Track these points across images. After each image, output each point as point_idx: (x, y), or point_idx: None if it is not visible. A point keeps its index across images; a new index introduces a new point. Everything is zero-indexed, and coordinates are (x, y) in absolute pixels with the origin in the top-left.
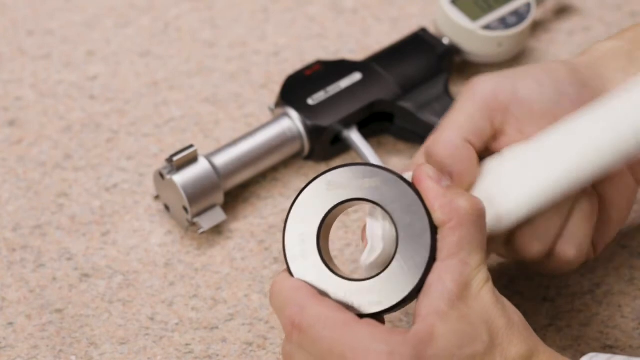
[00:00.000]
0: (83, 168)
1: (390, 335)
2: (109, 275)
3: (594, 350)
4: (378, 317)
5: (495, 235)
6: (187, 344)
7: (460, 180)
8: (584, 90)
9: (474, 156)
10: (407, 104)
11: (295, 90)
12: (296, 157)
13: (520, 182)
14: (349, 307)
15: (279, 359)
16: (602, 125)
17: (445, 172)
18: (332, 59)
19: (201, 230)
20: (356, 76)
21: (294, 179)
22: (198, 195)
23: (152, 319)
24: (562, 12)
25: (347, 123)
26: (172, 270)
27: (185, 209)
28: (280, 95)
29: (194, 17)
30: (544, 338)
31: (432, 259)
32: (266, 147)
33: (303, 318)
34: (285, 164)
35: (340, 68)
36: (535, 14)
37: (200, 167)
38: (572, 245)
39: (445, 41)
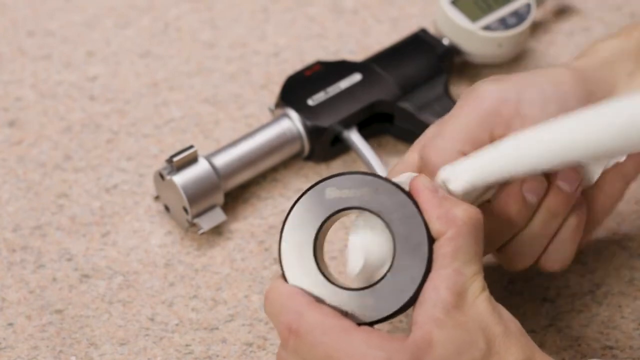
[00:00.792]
0: (83, 169)
1: (388, 342)
2: (109, 275)
3: (593, 350)
4: (374, 325)
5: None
6: (187, 345)
7: None
8: (588, 104)
9: None
10: (407, 105)
11: (295, 90)
12: (296, 157)
13: (472, 157)
14: (345, 315)
15: None
16: (566, 123)
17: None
18: (332, 60)
19: (201, 231)
20: (356, 77)
21: (294, 180)
22: (198, 195)
23: (152, 319)
24: (562, 12)
25: (347, 124)
26: (172, 271)
27: (185, 209)
28: (280, 95)
29: (194, 18)
30: (544, 338)
31: (428, 270)
32: (266, 147)
33: (300, 324)
34: (285, 164)
35: (340, 69)
36: (535, 14)
37: (200, 168)
38: (556, 261)
39: (445, 42)
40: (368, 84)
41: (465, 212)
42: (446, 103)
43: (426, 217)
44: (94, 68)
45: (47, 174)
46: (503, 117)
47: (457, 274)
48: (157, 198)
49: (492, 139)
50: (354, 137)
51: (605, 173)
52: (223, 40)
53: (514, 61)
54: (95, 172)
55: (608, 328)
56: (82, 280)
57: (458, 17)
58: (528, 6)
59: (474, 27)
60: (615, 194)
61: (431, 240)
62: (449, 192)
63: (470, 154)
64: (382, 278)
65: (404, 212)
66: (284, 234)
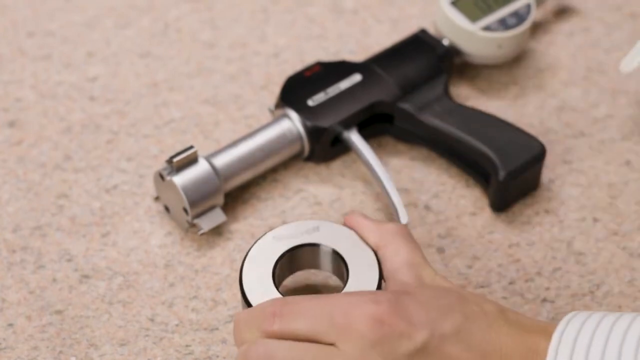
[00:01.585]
0: (83, 169)
1: (370, 291)
2: (109, 276)
3: None
4: None
5: None
6: (187, 345)
7: None
8: None
9: None
10: (407, 105)
11: (295, 91)
12: (296, 158)
13: None
14: None
15: None
16: None
17: None
18: (332, 60)
19: (201, 232)
20: (356, 77)
21: (294, 180)
22: (198, 196)
23: (152, 320)
24: (562, 13)
25: (347, 124)
26: (172, 272)
27: (185, 210)
28: (280, 96)
29: (194, 18)
30: None
31: (380, 277)
32: (266, 148)
33: (284, 305)
34: (285, 165)
35: (340, 69)
36: (535, 15)
37: (200, 168)
38: None
39: (445, 42)
40: (368, 84)
41: (395, 225)
42: (446, 103)
43: (365, 237)
44: (94, 68)
45: (47, 175)
46: None
47: (409, 266)
48: (157, 198)
49: None
50: (354, 137)
51: None
52: (223, 41)
53: (514, 61)
54: (95, 172)
55: None
56: (82, 281)
57: (458, 18)
58: (528, 7)
59: (474, 28)
60: None
61: (375, 253)
62: None
63: None
64: (342, 290)
65: (349, 239)
66: (243, 272)
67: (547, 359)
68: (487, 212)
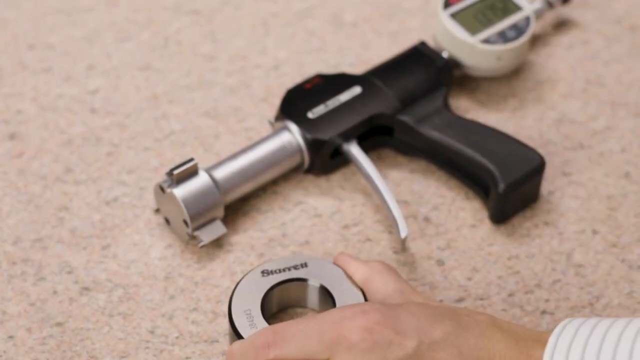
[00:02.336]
0: (83, 182)
1: (356, 304)
2: (109, 288)
3: None
4: None
5: None
6: (187, 358)
7: None
8: None
9: None
10: (406, 118)
11: (295, 103)
12: (296, 170)
13: None
14: None
15: None
16: None
17: None
18: (332, 73)
19: (201, 244)
20: (356, 90)
21: (293, 193)
22: (198, 208)
23: (152, 332)
24: (561, 25)
25: (347, 136)
26: (172, 284)
27: (185, 222)
28: (280, 108)
29: (194, 31)
30: None
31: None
32: (266, 160)
33: (276, 333)
34: (285, 177)
35: (340, 82)
36: (534, 27)
37: (201, 181)
38: None
39: (445, 55)
40: (368, 97)
41: (380, 262)
42: (445, 116)
43: (351, 273)
44: (95, 82)
45: (48, 187)
46: None
47: (399, 292)
48: (157, 211)
49: None
50: (354, 149)
51: None
52: (223, 54)
53: (513, 74)
54: (95, 185)
55: None
56: (82, 293)
57: (457, 31)
58: (527, 19)
59: (474, 40)
60: None
61: (361, 290)
62: None
63: None
64: None
65: (335, 276)
66: (232, 306)
67: None
68: (486, 224)
